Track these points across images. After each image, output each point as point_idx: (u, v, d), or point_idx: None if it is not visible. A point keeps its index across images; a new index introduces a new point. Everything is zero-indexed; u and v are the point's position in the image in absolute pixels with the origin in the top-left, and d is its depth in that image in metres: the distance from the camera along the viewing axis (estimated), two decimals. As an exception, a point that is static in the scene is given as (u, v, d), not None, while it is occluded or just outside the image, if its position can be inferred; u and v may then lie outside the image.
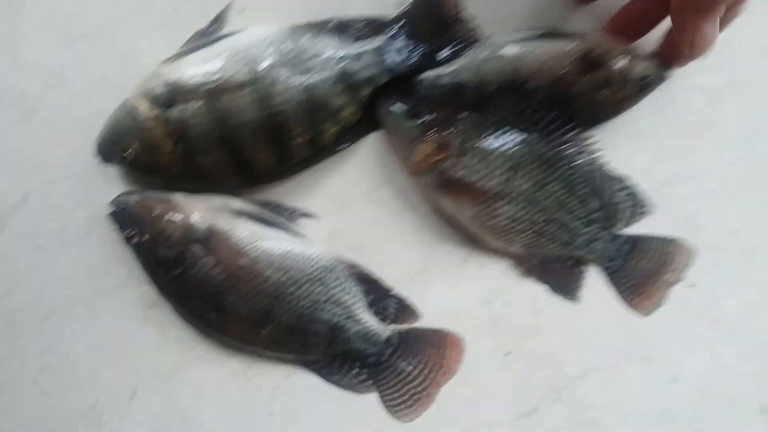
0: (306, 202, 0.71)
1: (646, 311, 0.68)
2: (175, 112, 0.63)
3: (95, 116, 0.69)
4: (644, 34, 0.67)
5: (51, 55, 0.70)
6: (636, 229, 0.69)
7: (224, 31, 0.68)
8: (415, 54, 0.66)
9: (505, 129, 0.64)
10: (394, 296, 0.69)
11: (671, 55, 0.65)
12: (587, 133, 0.66)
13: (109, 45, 0.70)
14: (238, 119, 0.63)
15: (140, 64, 0.69)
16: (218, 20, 0.68)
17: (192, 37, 0.68)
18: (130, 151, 0.64)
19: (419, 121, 0.64)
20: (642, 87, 0.65)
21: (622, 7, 0.67)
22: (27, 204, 0.70)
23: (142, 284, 0.70)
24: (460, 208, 0.65)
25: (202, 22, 0.69)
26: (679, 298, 0.69)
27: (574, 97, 0.66)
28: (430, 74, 0.67)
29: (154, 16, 0.69)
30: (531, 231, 0.65)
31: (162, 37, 0.70)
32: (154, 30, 0.70)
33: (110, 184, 0.71)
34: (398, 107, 0.65)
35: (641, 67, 0.66)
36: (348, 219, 0.71)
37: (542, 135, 0.64)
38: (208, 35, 0.67)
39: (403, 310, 0.69)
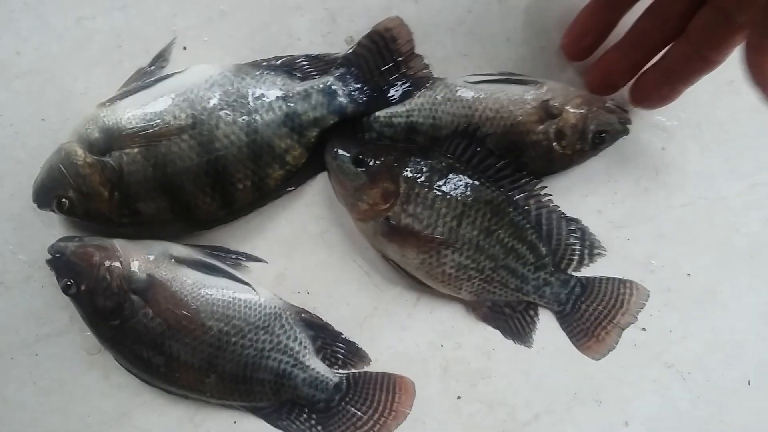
0: (252, 245, 0.69)
1: (598, 355, 0.67)
2: (112, 158, 0.61)
3: (33, 158, 0.67)
4: (624, 84, 0.66)
5: (-14, 97, 0.66)
6: (588, 271, 0.67)
7: (167, 69, 0.66)
8: (364, 94, 0.63)
9: (452, 176, 0.62)
10: (344, 341, 0.68)
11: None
12: (537, 180, 0.63)
13: (47, 84, 0.68)
14: (177, 165, 0.61)
15: (79, 103, 0.68)
16: (161, 58, 0.66)
17: (133, 75, 0.66)
18: (64, 199, 0.61)
19: (365, 168, 0.61)
20: (598, 141, 0.63)
21: (596, 61, 0.66)
22: (-37, 249, 0.67)
23: (84, 330, 0.68)
24: (406, 255, 0.63)
25: (145, 60, 0.67)
26: (631, 341, 0.67)
27: (527, 146, 0.65)
28: (383, 113, 0.65)
29: (93, 53, 0.67)
30: (478, 278, 0.64)
31: (102, 75, 0.68)
32: (94, 68, 0.68)
33: (51, 228, 0.69)
34: (344, 153, 0.63)
35: (598, 121, 0.64)
36: (295, 262, 0.70)
37: (491, 181, 0.62)
38: (149, 74, 0.65)
39: (352, 354, 0.68)
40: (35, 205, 0.64)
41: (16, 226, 0.69)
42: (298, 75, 0.64)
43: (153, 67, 0.65)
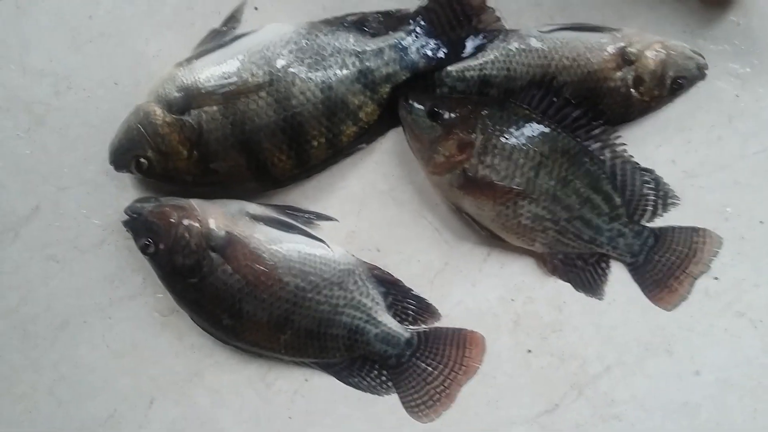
0: (324, 203, 0.70)
1: (671, 305, 0.68)
2: (191, 117, 0.61)
3: (107, 122, 0.68)
4: None
5: (59, 61, 0.69)
6: (661, 221, 0.68)
7: (239, 29, 0.67)
8: (436, 49, 0.64)
9: (529, 126, 0.62)
10: (414, 297, 0.68)
11: None
12: (612, 129, 0.63)
13: (119, 47, 0.69)
14: (255, 123, 0.62)
15: (152, 66, 0.69)
16: (232, 18, 0.67)
17: (206, 36, 0.67)
18: (143, 159, 0.61)
19: (440, 121, 0.61)
20: (676, 87, 0.63)
21: None
22: (39, 213, 0.69)
23: (157, 292, 0.69)
24: (482, 208, 0.64)
25: (216, 21, 0.68)
26: (703, 290, 0.68)
27: (605, 93, 0.65)
28: (456, 67, 0.65)
29: (165, 15, 0.68)
30: (553, 229, 0.64)
31: (174, 38, 0.68)
32: (166, 30, 0.68)
33: (124, 191, 0.70)
34: (419, 106, 0.63)
35: (677, 67, 0.64)
36: (366, 220, 0.70)
37: (567, 132, 0.62)
38: (222, 34, 0.66)
39: (423, 310, 0.69)
40: (112, 166, 0.65)
41: (89, 190, 0.70)
42: (370, 31, 0.64)
43: (225, 28, 0.65)
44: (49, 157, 0.69)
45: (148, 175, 0.64)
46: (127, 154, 0.63)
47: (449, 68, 0.65)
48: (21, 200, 0.70)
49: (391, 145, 0.70)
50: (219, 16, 0.67)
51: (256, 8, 0.68)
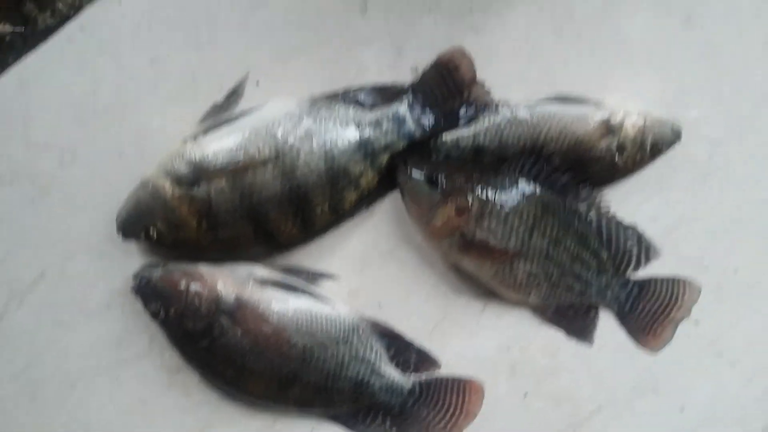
0: (327, 263, 0.73)
1: (656, 349, 0.72)
2: (200, 190, 0.64)
3: (112, 191, 0.70)
4: None
5: (64, 134, 0.70)
6: (644, 272, 0.72)
7: (242, 104, 0.69)
8: (431, 119, 0.67)
9: (521, 191, 0.66)
10: (415, 348, 0.71)
11: None
12: (597, 190, 0.68)
13: (124, 121, 0.71)
14: (262, 194, 0.65)
15: (156, 138, 0.71)
16: (235, 93, 0.69)
17: (209, 110, 0.69)
18: (152, 230, 0.64)
19: (438, 187, 0.65)
20: (655, 152, 0.68)
21: None
22: (45, 279, 0.71)
23: (164, 350, 0.71)
24: (481, 267, 0.67)
25: (219, 95, 0.70)
26: (684, 334, 0.72)
27: (590, 161, 0.69)
28: (450, 136, 0.69)
29: (169, 90, 0.70)
30: (547, 284, 0.68)
31: (178, 111, 0.71)
32: (170, 104, 0.70)
33: (130, 256, 0.71)
34: (418, 174, 0.66)
35: (655, 133, 0.70)
36: (368, 277, 0.73)
37: (557, 195, 0.66)
38: (225, 108, 0.67)
39: (424, 360, 0.72)
40: (120, 236, 0.66)
41: (95, 256, 0.71)
42: (368, 104, 0.67)
43: (228, 102, 0.67)
44: (55, 226, 0.71)
45: (157, 245, 0.66)
46: (137, 225, 0.65)
47: (443, 137, 0.68)
48: (27, 268, 0.71)
49: (390, 207, 0.73)
50: (222, 90, 0.69)
51: (257, 83, 0.70)
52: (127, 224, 0.65)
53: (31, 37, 0.71)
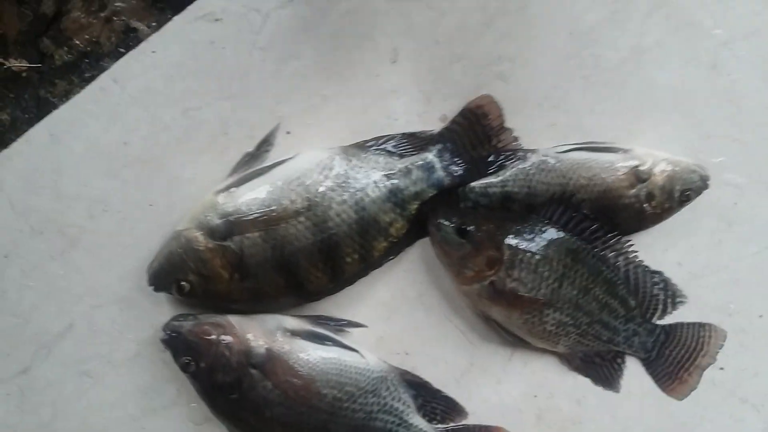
0: (354, 311, 0.73)
1: (682, 395, 0.72)
2: (233, 243, 0.64)
3: (141, 241, 0.71)
4: None
5: (94, 185, 0.71)
6: (670, 318, 0.73)
7: (273, 153, 0.71)
8: (460, 167, 0.68)
9: (551, 240, 0.67)
10: (442, 397, 0.71)
11: None
12: (625, 238, 0.69)
13: (155, 171, 0.71)
14: (294, 246, 0.65)
15: (187, 189, 0.71)
16: (266, 142, 0.70)
17: (241, 160, 0.70)
18: (184, 283, 0.64)
19: (469, 237, 0.66)
20: (684, 199, 0.69)
21: None
22: (73, 331, 0.71)
23: (191, 401, 0.71)
24: (510, 316, 0.68)
25: (250, 145, 0.71)
26: (709, 380, 0.73)
27: (619, 209, 0.70)
28: (479, 183, 0.70)
29: (200, 141, 0.71)
30: (575, 333, 0.69)
31: (209, 162, 0.71)
32: (201, 155, 0.71)
33: (158, 306, 0.71)
34: (448, 224, 0.67)
35: (683, 180, 0.70)
36: (395, 325, 0.73)
37: (585, 243, 0.67)
38: (256, 158, 0.68)
39: (451, 409, 0.72)
40: (151, 288, 0.67)
41: (123, 307, 0.71)
42: (398, 153, 0.68)
43: (259, 152, 0.68)
44: (83, 277, 0.71)
45: (189, 297, 0.66)
46: (169, 278, 0.65)
47: (472, 184, 0.68)
48: (55, 319, 0.71)
49: (418, 254, 0.73)
50: (252, 141, 0.70)
51: (288, 132, 0.71)
52: (159, 277, 0.65)
53: (47, 73, 0.71)
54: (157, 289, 0.66)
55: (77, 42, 0.73)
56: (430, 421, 0.70)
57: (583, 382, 0.73)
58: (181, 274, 0.65)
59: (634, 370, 0.74)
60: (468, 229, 0.66)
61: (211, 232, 0.64)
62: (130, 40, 0.72)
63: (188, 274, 0.65)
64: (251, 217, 0.64)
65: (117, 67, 0.70)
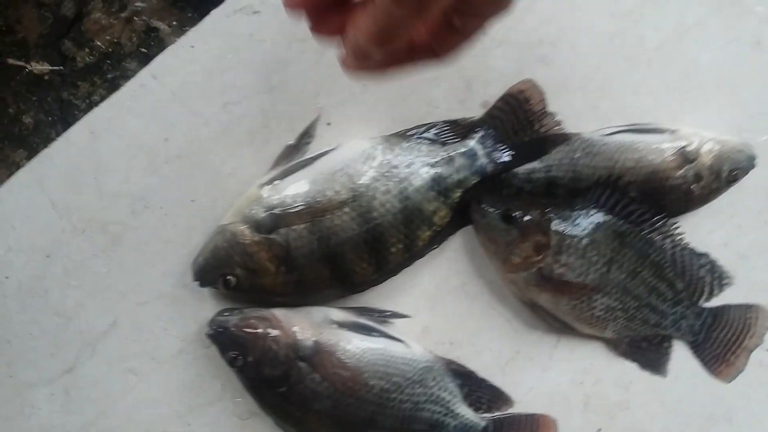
0: (398, 301, 0.72)
1: (729, 378, 0.71)
2: (279, 236, 0.63)
3: (184, 237, 0.70)
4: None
5: (135, 182, 0.70)
6: (717, 300, 0.72)
7: (314, 145, 0.70)
8: (503, 153, 0.67)
9: (599, 224, 0.66)
10: (488, 386, 0.71)
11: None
12: (671, 220, 0.68)
13: (196, 167, 0.71)
14: (339, 237, 0.65)
15: (228, 183, 0.71)
16: (306, 134, 0.70)
17: (282, 152, 0.70)
18: (230, 277, 0.64)
19: (515, 223, 0.65)
20: (731, 179, 0.68)
21: None
22: (117, 328, 0.71)
23: (236, 396, 0.70)
24: (557, 302, 0.67)
25: (290, 138, 0.70)
26: (757, 362, 0.72)
27: (666, 191, 0.70)
28: (523, 169, 0.69)
29: (240, 135, 0.70)
30: (624, 318, 0.68)
31: (249, 155, 0.71)
32: (241, 149, 0.70)
33: (202, 302, 0.71)
34: (493, 210, 0.66)
35: (731, 160, 0.70)
36: (439, 315, 0.73)
37: (633, 226, 0.66)
38: (297, 150, 0.68)
39: (497, 398, 0.71)
40: (196, 283, 0.67)
41: (166, 303, 0.71)
42: (440, 140, 0.67)
43: (300, 144, 0.68)
44: (126, 275, 0.70)
45: (235, 291, 0.65)
46: (214, 272, 0.65)
47: (516, 170, 0.68)
48: (99, 317, 0.71)
49: (461, 243, 0.72)
50: (293, 133, 0.70)
51: (328, 124, 0.70)
52: (205, 272, 0.65)
53: (69, 76, 0.71)
54: (203, 284, 0.65)
55: (98, 43, 0.73)
56: (476, 410, 0.69)
57: (630, 368, 0.73)
58: (227, 269, 0.65)
59: (681, 354, 0.72)
60: (514, 215, 0.66)
61: (256, 226, 0.64)
62: (151, 40, 0.72)
63: (234, 268, 0.65)
64: (297, 209, 0.64)
65: (156, 63, 0.69)
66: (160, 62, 0.69)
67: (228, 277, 0.64)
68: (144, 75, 0.69)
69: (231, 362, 0.65)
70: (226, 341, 0.66)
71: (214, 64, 0.69)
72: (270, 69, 0.69)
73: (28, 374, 0.70)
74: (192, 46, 0.69)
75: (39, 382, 0.71)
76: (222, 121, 0.70)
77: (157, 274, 0.70)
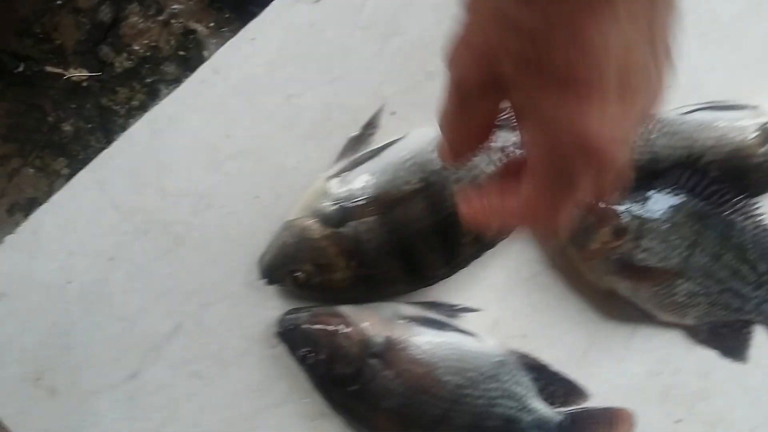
0: (468, 295, 0.70)
1: (814, 363, 0.68)
2: (348, 229, 0.62)
3: (248, 235, 0.69)
4: None
5: (198, 181, 0.69)
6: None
7: (377, 134, 0.69)
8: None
9: (680, 207, 0.64)
10: (563, 379, 0.69)
11: None
12: (754, 200, 0.65)
13: (258, 163, 0.69)
14: (410, 228, 0.64)
15: (292, 177, 0.69)
16: (370, 124, 0.68)
17: (347, 144, 0.68)
18: (299, 273, 0.62)
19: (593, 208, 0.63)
20: None
21: None
22: (181, 331, 0.69)
23: (303, 397, 0.68)
24: (637, 290, 0.65)
25: (354, 129, 0.69)
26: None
27: (750, 169, 0.67)
28: None
29: (303, 128, 0.69)
30: (706, 303, 0.65)
31: (313, 149, 0.69)
32: (305, 142, 0.69)
33: (267, 301, 0.69)
34: (568, 197, 0.63)
35: None
36: (511, 307, 0.71)
37: (714, 206, 0.64)
38: (362, 141, 0.67)
39: (572, 391, 0.69)
40: (263, 281, 0.65)
41: (232, 303, 0.69)
42: (510, 126, 0.65)
43: (364, 135, 0.66)
44: (190, 276, 0.69)
45: (304, 288, 0.64)
46: (282, 269, 0.64)
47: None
48: (162, 320, 0.70)
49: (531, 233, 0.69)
50: (356, 124, 0.68)
51: (393, 113, 0.68)
52: (272, 269, 0.64)
53: (108, 82, 0.69)
54: (271, 282, 0.64)
55: (136, 48, 0.72)
56: (550, 404, 0.67)
57: (710, 356, 0.70)
58: (297, 265, 0.63)
59: (762, 339, 0.70)
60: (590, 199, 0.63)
61: (325, 220, 0.63)
62: (189, 42, 0.70)
63: (303, 263, 0.63)
64: (366, 201, 0.62)
65: (217, 58, 0.68)
66: (221, 56, 0.67)
67: (296, 274, 0.62)
68: (205, 70, 0.68)
69: (302, 360, 0.64)
70: (297, 339, 0.64)
71: (276, 56, 0.68)
72: (332, 59, 0.67)
73: (92, 381, 0.69)
74: (253, 39, 0.68)
75: (102, 388, 0.69)
76: (285, 115, 0.68)
77: (220, 274, 0.69)
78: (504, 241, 0.69)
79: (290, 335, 0.64)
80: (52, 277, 0.68)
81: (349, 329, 0.64)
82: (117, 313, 0.69)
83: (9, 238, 0.69)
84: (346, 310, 0.65)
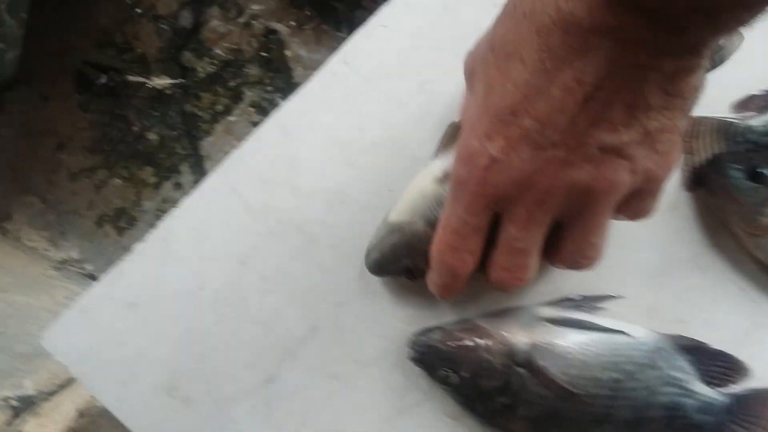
0: (617, 281, 0.66)
1: None
2: None
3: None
4: None
5: (330, 177, 0.67)
6: None
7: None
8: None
9: None
10: (720, 356, 0.64)
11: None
12: None
13: (392, 155, 0.66)
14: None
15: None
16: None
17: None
18: (411, 267, 0.61)
19: (764, 180, 0.57)
20: None
21: None
22: (317, 332, 0.67)
23: (445, 395, 0.65)
24: (814, 265, 0.58)
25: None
26: None
27: None
28: (759, 122, 0.61)
29: (437, 115, 0.65)
30: None
31: (445, 137, 0.64)
32: (439, 131, 0.65)
33: (404, 298, 0.67)
34: (738, 168, 0.60)
35: None
36: (667, 292, 0.66)
37: None
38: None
39: (731, 368, 0.64)
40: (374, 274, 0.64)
41: (367, 302, 0.68)
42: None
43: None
44: (325, 275, 0.67)
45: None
46: (394, 266, 0.62)
47: (752, 123, 0.59)
48: (297, 322, 0.67)
49: (690, 211, 0.64)
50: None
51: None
52: (384, 265, 0.63)
53: (191, 87, 0.66)
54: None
55: (218, 51, 0.68)
56: (713, 386, 0.62)
57: None
58: (408, 261, 0.62)
59: None
60: (763, 171, 0.57)
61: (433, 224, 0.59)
62: (270, 42, 0.66)
63: (414, 261, 0.61)
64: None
65: (346, 49, 0.64)
66: (351, 47, 0.64)
67: (410, 267, 0.61)
68: (335, 62, 0.65)
69: (443, 380, 0.61)
70: (434, 360, 0.61)
71: (408, 42, 0.65)
72: (467, 40, 0.62)
73: (227, 388, 0.66)
74: (384, 26, 0.64)
75: (239, 395, 0.67)
76: (419, 103, 0.65)
77: (356, 272, 0.66)
78: (658, 221, 0.63)
79: (426, 358, 0.62)
80: (184, 284, 0.66)
81: (488, 341, 0.60)
82: (252, 318, 0.66)
83: (139, 247, 0.67)
84: (480, 321, 0.62)
